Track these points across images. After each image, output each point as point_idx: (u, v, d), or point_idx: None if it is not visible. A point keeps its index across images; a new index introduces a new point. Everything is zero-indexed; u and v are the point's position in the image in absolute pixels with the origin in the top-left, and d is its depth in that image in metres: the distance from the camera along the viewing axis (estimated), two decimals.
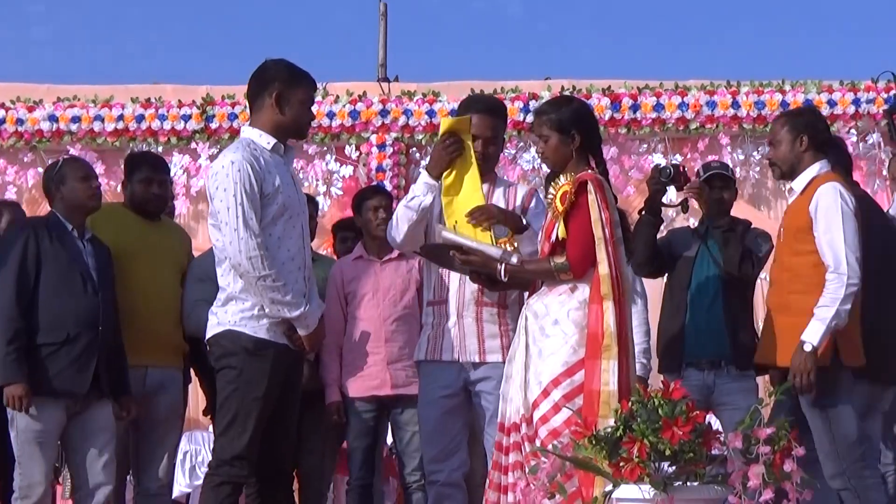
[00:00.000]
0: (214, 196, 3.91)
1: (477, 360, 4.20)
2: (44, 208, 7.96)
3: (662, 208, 4.82)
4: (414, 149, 7.72)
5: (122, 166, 5.30)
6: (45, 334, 4.44)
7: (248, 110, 4.37)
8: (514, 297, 4.24)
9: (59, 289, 4.49)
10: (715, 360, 4.60)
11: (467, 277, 4.20)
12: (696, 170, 5.05)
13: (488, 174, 4.33)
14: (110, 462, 4.62)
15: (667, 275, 4.95)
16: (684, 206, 4.97)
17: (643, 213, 4.75)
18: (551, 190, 3.93)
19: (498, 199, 4.28)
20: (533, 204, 4.30)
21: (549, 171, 4.31)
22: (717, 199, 4.78)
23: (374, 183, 7.42)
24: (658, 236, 4.89)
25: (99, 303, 4.52)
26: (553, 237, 3.85)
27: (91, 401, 4.53)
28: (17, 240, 4.55)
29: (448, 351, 4.25)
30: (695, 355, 4.62)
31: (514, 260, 3.90)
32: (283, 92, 4.01)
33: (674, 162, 5.42)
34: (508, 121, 7.74)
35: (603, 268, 3.72)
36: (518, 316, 4.13)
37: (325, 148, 8.15)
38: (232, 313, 3.92)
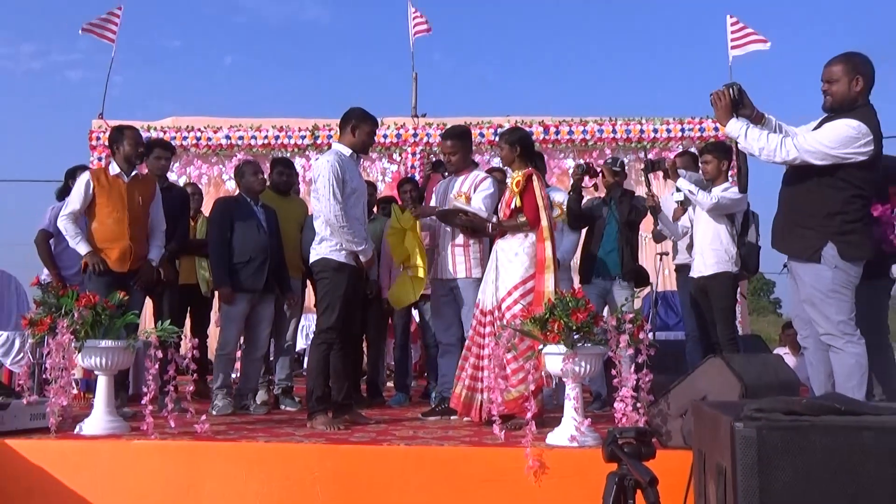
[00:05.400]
0: (317, 180, 3.87)
1: (451, 276, 4.24)
2: (222, 188, 8.02)
3: (583, 189, 4.62)
4: (432, 156, 7.72)
5: (268, 166, 5.25)
6: (238, 256, 4.46)
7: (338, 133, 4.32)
8: (474, 241, 4.23)
9: (244, 233, 4.50)
10: (610, 276, 4.48)
11: (448, 232, 4.24)
12: (599, 165, 4.84)
13: (461, 171, 4.28)
14: (267, 337, 4.69)
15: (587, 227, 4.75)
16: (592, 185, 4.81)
17: (571, 193, 4.60)
18: (508, 180, 3.98)
19: (468, 182, 4.21)
20: (482, 183, 4.19)
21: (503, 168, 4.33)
22: (615, 181, 4.64)
23: (409, 175, 7.53)
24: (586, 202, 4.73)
25: (267, 239, 4.53)
26: (512, 206, 3.88)
27: (264, 297, 4.56)
28: (219, 210, 4.60)
29: (439, 271, 4.29)
30: (600, 273, 4.51)
31: (495, 219, 3.95)
32: (356, 125, 3.98)
33: (587, 161, 5.35)
34: (484, 139, 7.94)
35: (544, 222, 3.79)
36: (475, 250, 4.22)
37: (382, 154, 8.16)
38: (325, 247, 3.87)
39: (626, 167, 4.81)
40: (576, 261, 4.97)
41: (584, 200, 4.64)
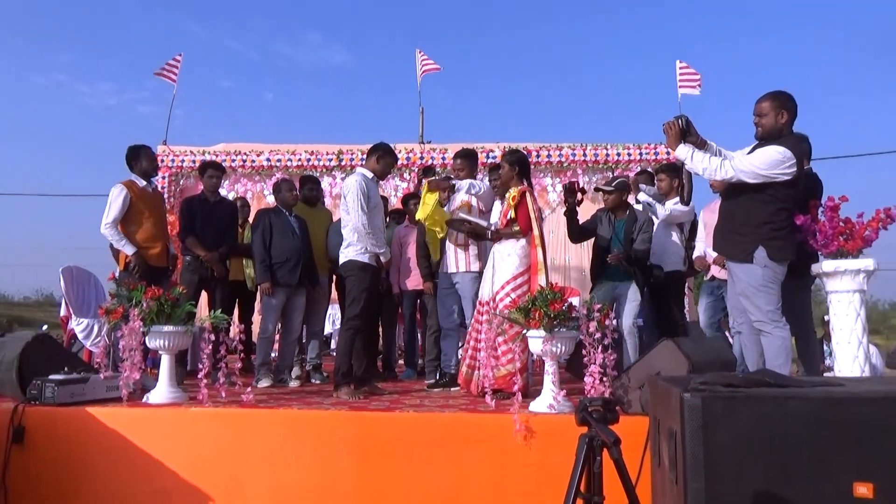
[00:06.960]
0: (347, 195, 3.87)
1: (453, 271, 4.22)
2: (264, 202, 7.95)
3: (577, 207, 4.34)
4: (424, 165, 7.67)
5: (298, 182, 5.24)
6: (276, 258, 4.44)
7: (363, 157, 4.30)
8: (472, 242, 4.21)
9: (281, 238, 4.48)
10: (616, 279, 4.21)
11: (451, 234, 4.21)
12: (581, 185, 4.44)
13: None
14: (300, 323, 4.66)
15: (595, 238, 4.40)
16: (579, 202, 4.42)
17: (566, 213, 4.30)
18: (507, 195, 3.93)
19: (471, 187, 4.18)
20: (479, 187, 4.20)
21: (496, 182, 4.25)
22: (614, 198, 4.29)
23: (413, 191, 7.47)
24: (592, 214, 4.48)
25: (300, 243, 4.51)
26: (508, 217, 3.84)
27: (297, 291, 4.53)
28: (261, 219, 4.56)
29: (444, 267, 4.28)
30: (608, 277, 4.22)
31: (493, 227, 3.92)
32: (382, 156, 4.00)
33: (570, 181, 5.14)
34: (479, 161, 7.81)
35: (536, 231, 3.74)
36: (473, 249, 4.18)
37: (394, 174, 8.10)
38: (352, 251, 3.88)
39: (613, 184, 4.39)
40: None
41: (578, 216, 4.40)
